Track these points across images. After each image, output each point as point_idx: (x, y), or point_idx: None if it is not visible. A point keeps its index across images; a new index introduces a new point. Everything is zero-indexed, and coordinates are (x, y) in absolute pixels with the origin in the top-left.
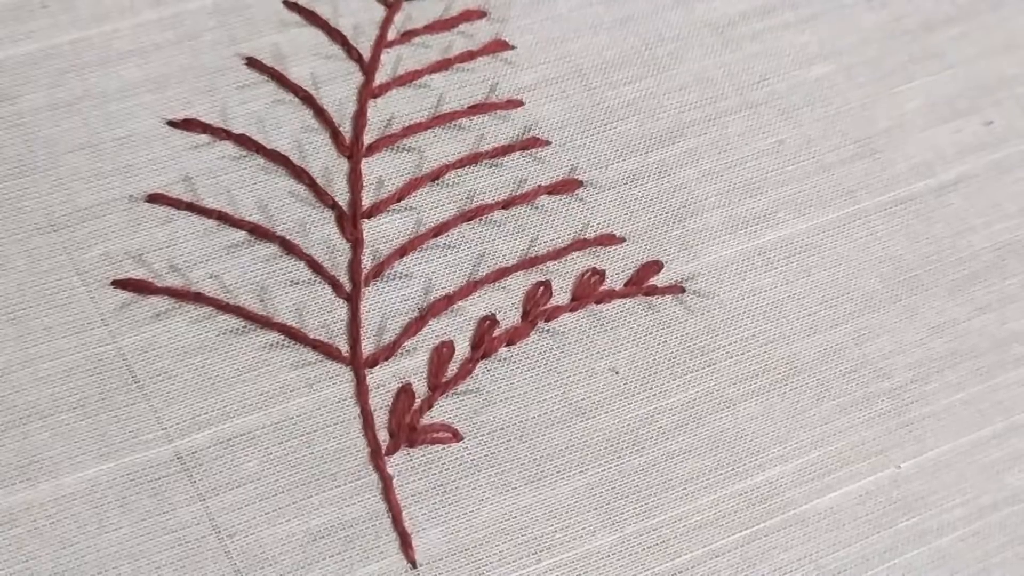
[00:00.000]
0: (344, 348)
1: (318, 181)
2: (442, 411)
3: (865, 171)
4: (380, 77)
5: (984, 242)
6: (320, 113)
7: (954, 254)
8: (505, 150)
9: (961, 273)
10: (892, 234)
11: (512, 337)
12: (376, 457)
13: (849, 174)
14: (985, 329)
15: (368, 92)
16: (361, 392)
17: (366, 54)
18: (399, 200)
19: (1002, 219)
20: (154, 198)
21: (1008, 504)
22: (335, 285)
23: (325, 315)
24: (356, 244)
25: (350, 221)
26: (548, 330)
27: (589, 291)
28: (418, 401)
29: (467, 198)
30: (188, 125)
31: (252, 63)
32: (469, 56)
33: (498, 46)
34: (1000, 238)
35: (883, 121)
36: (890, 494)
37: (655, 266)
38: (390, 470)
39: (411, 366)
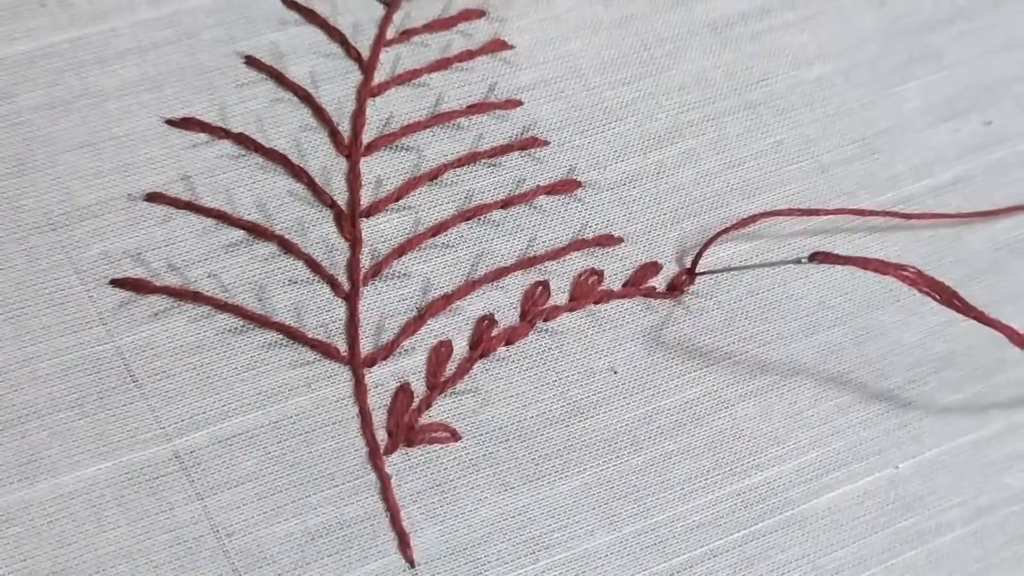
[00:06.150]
0: (342, 347)
1: (317, 180)
2: (441, 411)
3: (864, 171)
4: (379, 76)
5: (983, 242)
6: (319, 112)
7: (953, 254)
8: (504, 150)
9: (960, 273)
10: (891, 234)
11: (511, 337)
12: (374, 457)
13: (848, 174)
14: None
15: (367, 91)
16: (359, 391)
17: (365, 53)
18: (398, 199)
19: (1001, 219)
20: (152, 197)
21: (1006, 505)
22: (333, 284)
23: (323, 314)
24: (354, 243)
25: (348, 220)
26: (547, 330)
27: (588, 291)
28: (416, 400)
29: (465, 198)
30: (186, 124)
31: (251, 62)
32: (468, 55)
33: (497, 46)
34: (999, 238)
35: (882, 121)
36: (888, 494)
37: (653, 267)
38: (388, 470)
39: (409, 365)
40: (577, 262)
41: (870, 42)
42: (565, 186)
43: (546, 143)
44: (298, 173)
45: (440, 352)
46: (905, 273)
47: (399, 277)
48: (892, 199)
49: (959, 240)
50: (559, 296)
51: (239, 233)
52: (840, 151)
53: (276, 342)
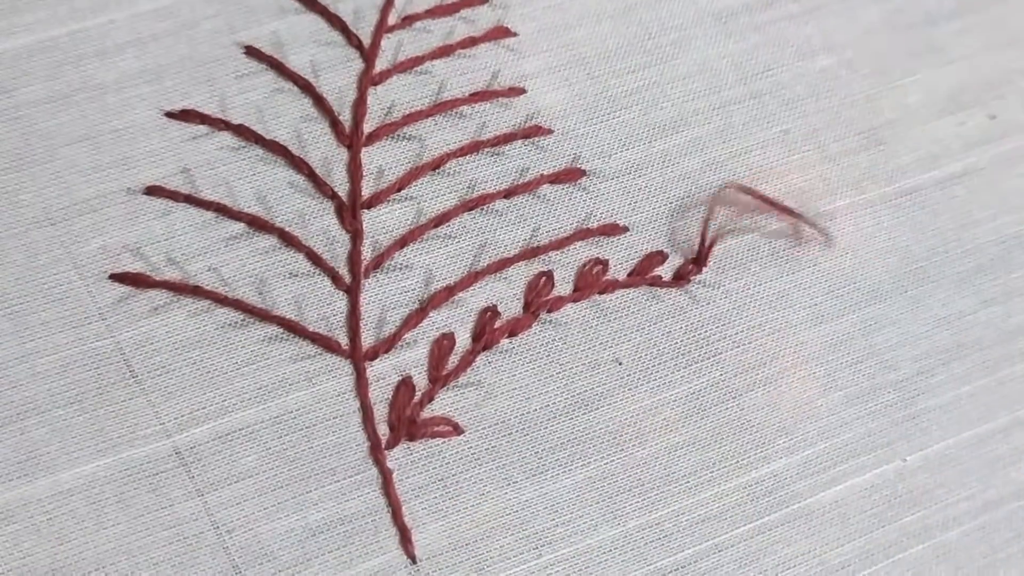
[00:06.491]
0: (344, 341)
1: (317, 171)
2: (443, 404)
3: (870, 162)
4: (380, 64)
5: (989, 235)
6: (319, 102)
7: (960, 246)
8: (507, 138)
9: (967, 265)
10: (898, 225)
11: (514, 328)
12: (376, 451)
13: (854, 165)
14: (991, 322)
15: (368, 79)
16: (361, 385)
17: (366, 40)
18: (399, 190)
19: (1007, 212)
20: (152, 190)
21: (1014, 499)
22: (334, 277)
23: (324, 307)
24: (356, 235)
25: (350, 212)
26: (550, 321)
27: (592, 281)
28: (418, 394)
29: (468, 187)
30: (186, 116)
31: (251, 52)
32: (471, 42)
33: (500, 32)
34: (1006, 231)
35: (887, 113)
36: (895, 487)
37: (659, 257)
38: (390, 464)
39: (411, 359)
40: (581, 252)
41: (874, 34)
42: (569, 175)
43: (550, 131)
44: (299, 164)
45: (442, 345)
46: None
47: (401, 269)
48: (897, 190)
49: (966, 232)
50: (563, 287)
51: (239, 226)
52: (846, 141)
53: (276, 336)
